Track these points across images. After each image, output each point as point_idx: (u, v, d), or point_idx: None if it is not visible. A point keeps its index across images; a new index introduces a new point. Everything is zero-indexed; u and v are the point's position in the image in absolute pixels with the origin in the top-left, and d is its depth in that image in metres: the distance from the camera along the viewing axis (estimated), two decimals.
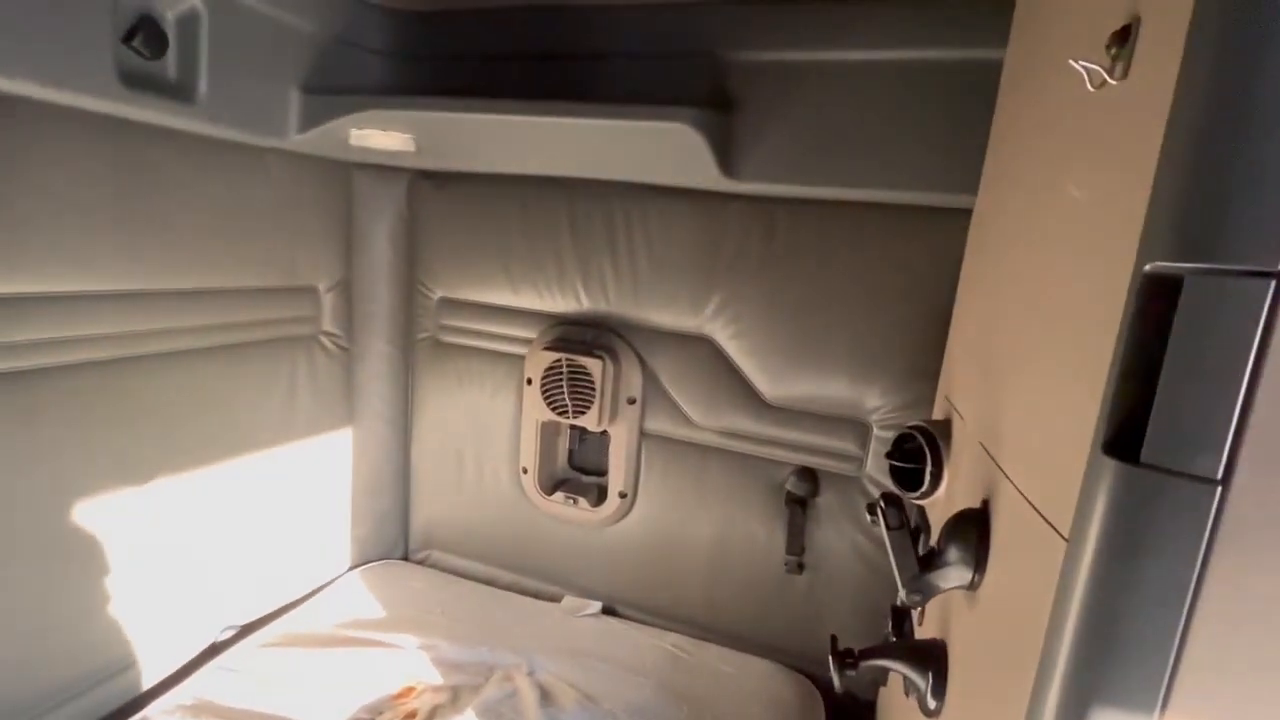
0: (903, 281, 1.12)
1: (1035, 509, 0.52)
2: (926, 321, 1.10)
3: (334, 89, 1.12)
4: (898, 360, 1.14)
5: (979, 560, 0.64)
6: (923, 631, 0.88)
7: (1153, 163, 0.41)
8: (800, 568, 1.23)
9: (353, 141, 1.18)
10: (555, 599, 1.45)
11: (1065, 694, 0.44)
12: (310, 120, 1.11)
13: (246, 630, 1.29)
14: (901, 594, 0.68)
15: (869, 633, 1.24)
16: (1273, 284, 0.36)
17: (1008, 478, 0.59)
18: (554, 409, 1.34)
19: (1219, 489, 0.38)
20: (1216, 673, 0.40)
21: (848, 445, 1.20)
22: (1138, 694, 0.41)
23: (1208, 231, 0.38)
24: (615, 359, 1.31)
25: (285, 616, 1.35)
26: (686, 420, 1.30)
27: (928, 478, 0.89)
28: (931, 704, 0.72)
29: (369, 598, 1.42)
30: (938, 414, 1.02)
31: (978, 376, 0.79)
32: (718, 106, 1.06)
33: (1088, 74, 0.52)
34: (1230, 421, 0.38)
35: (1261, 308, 0.36)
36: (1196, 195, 0.39)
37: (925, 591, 0.67)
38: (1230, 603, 0.39)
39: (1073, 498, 0.46)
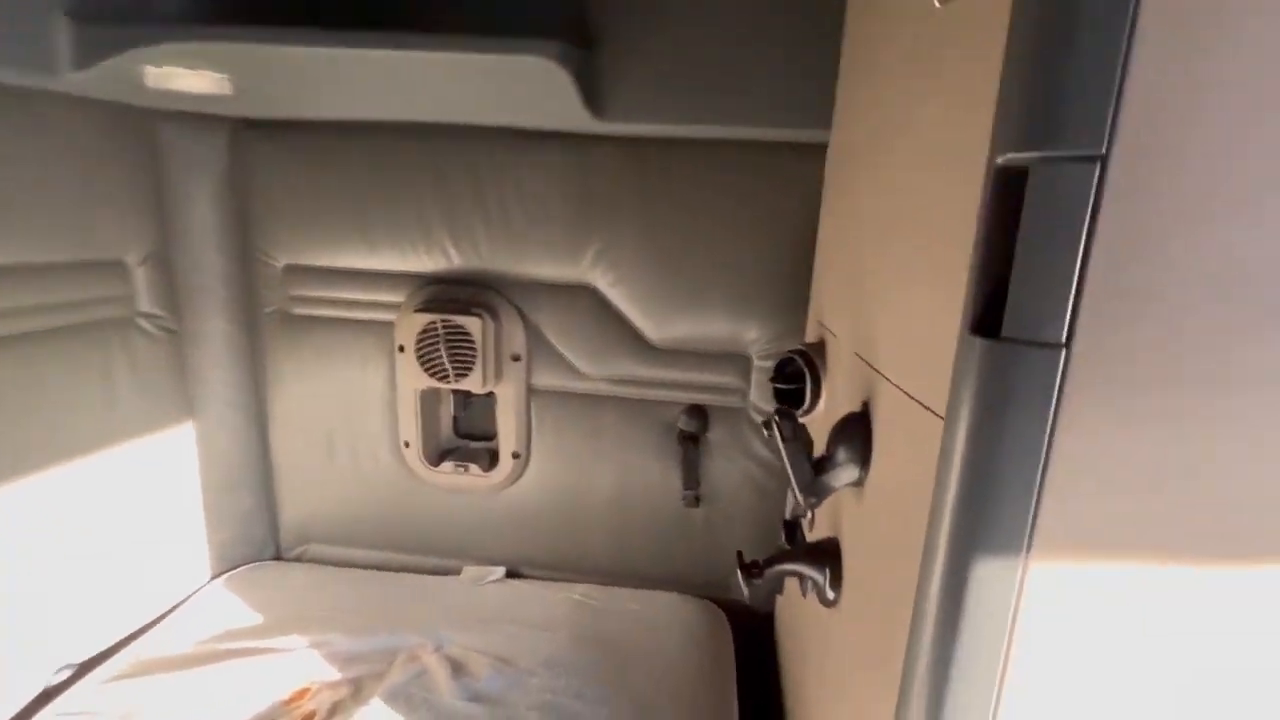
0: (771, 217, 1.17)
1: (913, 399, 0.57)
2: (794, 253, 1.16)
3: (116, 15, 0.93)
4: (771, 293, 1.19)
5: (864, 458, 0.70)
6: (814, 536, 0.96)
7: (998, 69, 0.45)
8: (697, 501, 1.28)
9: (150, 83, 0.99)
10: (455, 572, 1.40)
11: (950, 546, 0.49)
12: (87, 55, 0.91)
13: (88, 667, 1.11)
14: (798, 499, 0.72)
15: (764, 551, 1.32)
16: (1098, 166, 0.41)
17: (885, 378, 0.65)
18: (433, 374, 1.26)
19: (1064, 351, 0.44)
20: (1070, 514, 0.46)
21: (731, 379, 1.25)
22: (1008, 539, 0.47)
23: (1046, 124, 0.42)
24: (495, 316, 1.26)
25: (136, 643, 1.18)
26: (575, 372, 1.29)
27: (809, 395, 0.96)
28: (830, 595, 0.79)
29: (240, 606, 1.28)
30: (811, 337, 1.09)
31: (848, 295, 0.85)
32: (579, 41, 1.02)
33: None
34: (1070, 291, 0.44)
35: (1090, 187, 0.42)
36: (1035, 94, 0.43)
37: (820, 494, 0.72)
38: (1077, 451, 0.45)
39: (946, 381, 0.51)
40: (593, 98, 1.05)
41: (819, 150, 1.11)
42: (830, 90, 1.04)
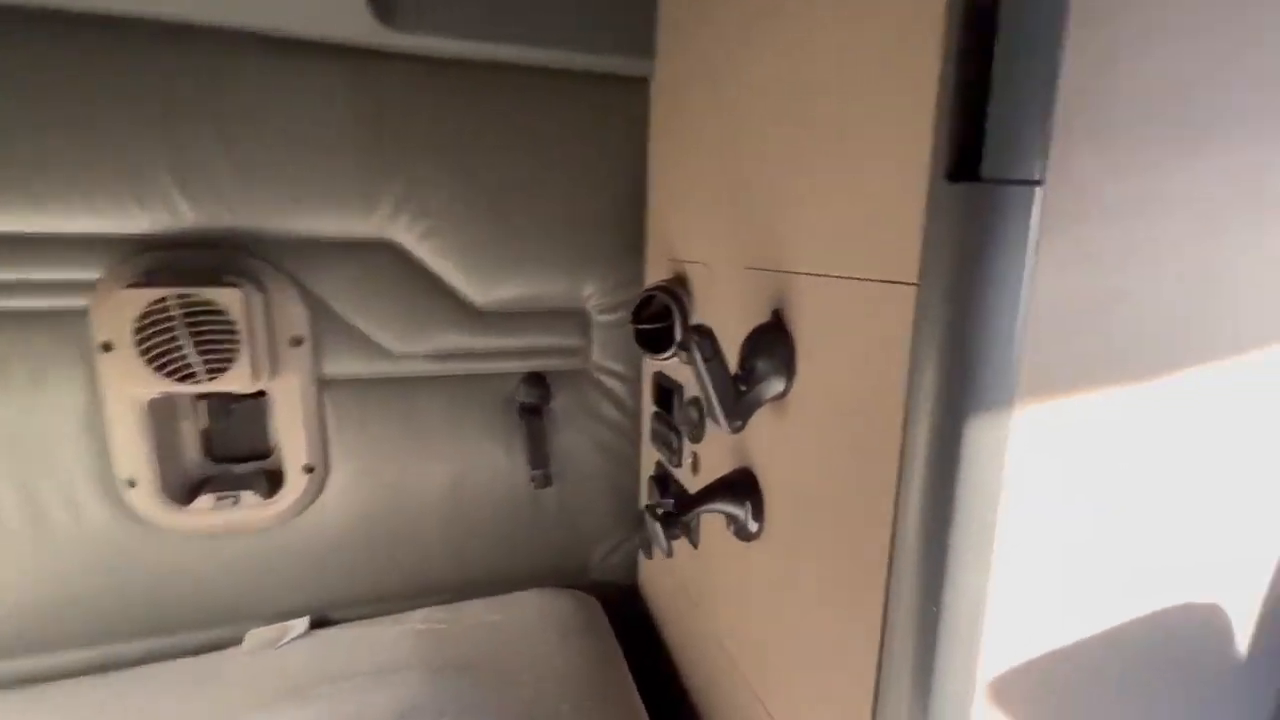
0: (598, 156, 1.08)
1: (868, 280, 0.54)
2: (627, 194, 1.09)
3: None
4: (605, 239, 1.11)
5: (787, 368, 0.66)
6: (700, 480, 0.91)
7: None
8: (548, 480, 1.14)
9: None
10: (235, 643, 1.04)
11: (936, 414, 0.47)
12: None
13: None
14: (722, 424, 0.65)
15: (624, 519, 1.24)
16: None
17: (815, 275, 0.61)
18: (172, 375, 0.90)
19: (1037, 189, 0.44)
20: (1047, 353, 0.47)
21: (571, 339, 1.14)
22: (997, 392, 0.46)
23: None
24: (260, 287, 0.95)
25: None
26: (381, 351, 1.04)
27: (678, 331, 0.90)
28: (753, 527, 0.74)
29: None
30: (658, 277, 1.03)
31: (721, 216, 0.80)
32: None
33: None
34: (1047, 123, 0.44)
35: (1063, 5, 0.42)
36: None
37: (745, 413, 0.66)
38: (1052, 288, 0.46)
39: (913, 246, 0.48)
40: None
41: (640, 84, 1.06)
42: (650, 16, 1.00)
